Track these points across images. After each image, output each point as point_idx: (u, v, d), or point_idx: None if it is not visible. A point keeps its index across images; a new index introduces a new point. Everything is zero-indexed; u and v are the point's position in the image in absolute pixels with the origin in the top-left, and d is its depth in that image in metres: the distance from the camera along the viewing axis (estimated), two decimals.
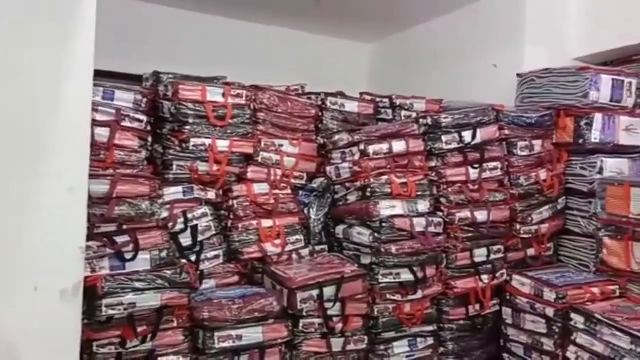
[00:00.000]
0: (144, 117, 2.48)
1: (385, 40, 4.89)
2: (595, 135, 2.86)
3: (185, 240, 2.48)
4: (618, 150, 2.92)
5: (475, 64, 3.79)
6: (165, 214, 2.40)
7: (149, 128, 2.52)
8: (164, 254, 2.25)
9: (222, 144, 2.57)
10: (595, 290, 2.62)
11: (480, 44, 3.83)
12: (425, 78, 4.20)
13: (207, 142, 2.53)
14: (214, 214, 2.59)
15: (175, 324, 2.22)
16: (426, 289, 2.71)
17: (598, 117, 2.86)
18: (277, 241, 2.68)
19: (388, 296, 2.64)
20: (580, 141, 2.90)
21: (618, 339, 2.29)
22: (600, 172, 2.85)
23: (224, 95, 2.58)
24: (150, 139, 2.53)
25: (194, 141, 2.51)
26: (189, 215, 2.49)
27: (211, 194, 2.59)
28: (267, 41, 4.52)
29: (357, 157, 2.71)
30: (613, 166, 2.88)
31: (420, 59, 4.39)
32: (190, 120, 2.51)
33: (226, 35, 4.39)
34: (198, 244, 2.51)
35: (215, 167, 2.57)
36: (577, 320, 2.49)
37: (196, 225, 2.51)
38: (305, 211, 2.86)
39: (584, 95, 2.86)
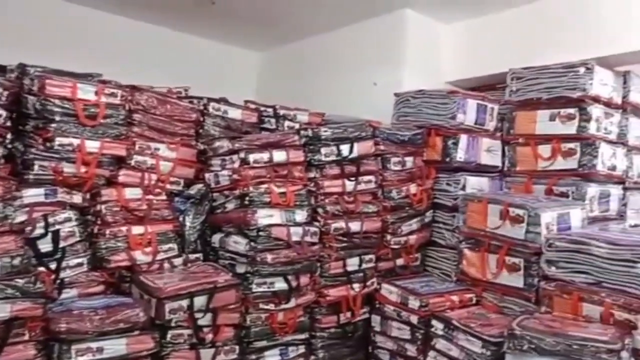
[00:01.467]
0: (2, 112, 2.29)
1: (275, 50, 4.93)
2: (460, 155, 3.10)
3: (45, 246, 2.32)
4: (480, 169, 3.19)
5: (357, 80, 3.95)
6: (22, 218, 2.22)
7: (8, 124, 2.33)
8: (16, 261, 2.07)
9: (92, 145, 2.44)
10: (455, 298, 2.80)
11: (363, 62, 4.00)
12: (311, 90, 4.29)
13: (75, 142, 2.39)
14: (79, 218, 2.44)
15: (26, 337, 2.04)
16: (299, 298, 2.74)
17: (463, 137, 3.09)
18: (148, 249, 2.58)
19: (261, 305, 2.64)
20: (447, 159, 3.12)
21: (471, 344, 2.47)
22: (463, 188, 3.08)
23: (96, 93, 2.45)
24: (9, 135, 2.33)
25: (59, 140, 2.35)
26: (50, 220, 2.34)
27: (77, 198, 2.45)
28: (154, 42, 4.35)
29: (237, 165, 2.69)
30: (474, 183, 3.13)
31: (307, 71, 4.49)
32: (57, 118, 2.35)
33: (112, 33, 4.13)
34: (59, 250, 2.35)
35: (83, 169, 2.43)
36: (437, 326, 2.65)
37: (58, 231, 2.35)
38: (181, 218, 2.78)
39: (452, 117, 3.09)
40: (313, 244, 2.77)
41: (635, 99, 3.19)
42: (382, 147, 3.04)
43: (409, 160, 3.13)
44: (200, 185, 2.85)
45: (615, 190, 3.08)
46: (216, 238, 2.81)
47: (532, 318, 2.33)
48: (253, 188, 2.64)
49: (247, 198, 2.63)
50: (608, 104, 3.02)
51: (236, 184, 2.68)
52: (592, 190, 2.92)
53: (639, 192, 3.27)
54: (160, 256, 2.63)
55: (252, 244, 2.60)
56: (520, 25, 3.61)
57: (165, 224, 2.68)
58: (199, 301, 2.38)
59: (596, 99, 2.93)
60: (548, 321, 2.28)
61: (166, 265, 2.65)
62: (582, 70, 2.91)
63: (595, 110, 2.91)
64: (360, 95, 3.87)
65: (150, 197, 2.67)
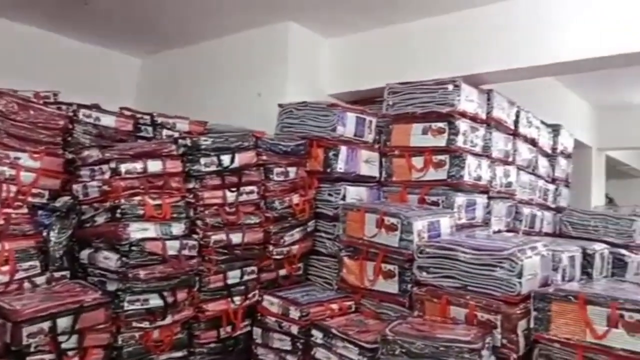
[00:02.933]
0: None
1: (157, 56, 4.74)
2: (340, 165, 3.18)
3: None
4: (359, 179, 3.29)
5: (242, 90, 3.93)
6: None
7: None
8: None
9: None
10: (334, 306, 2.85)
11: (248, 72, 3.99)
12: (195, 99, 4.20)
13: None
14: None
15: None
16: (176, 314, 2.63)
17: (343, 149, 3.18)
18: (5, 268, 2.35)
19: (134, 324, 2.49)
20: (328, 170, 3.19)
21: (349, 351, 2.52)
22: (344, 198, 3.16)
23: None
24: None
25: None
26: None
27: None
28: (21, 42, 4.00)
29: (107, 175, 2.53)
30: (354, 193, 3.23)
31: (191, 79, 4.38)
32: None
33: None
34: None
35: None
36: (317, 335, 2.68)
37: None
38: (45, 233, 2.56)
39: (333, 129, 3.17)
40: (191, 257, 2.67)
41: (498, 115, 3.48)
42: (264, 158, 3.02)
43: (292, 171, 3.15)
44: (67, 198, 2.64)
45: (481, 199, 3.33)
46: (85, 254, 2.62)
47: (405, 323, 2.43)
48: (125, 200, 2.50)
49: (118, 211, 2.48)
50: (474, 119, 3.26)
51: (106, 195, 2.51)
52: (460, 199, 3.13)
53: (502, 201, 3.56)
54: (19, 275, 2.40)
55: (124, 259, 2.45)
56: (397, 42, 3.81)
57: (26, 240, 2.46)
58: (63, 323, 2.20)
59: (463, 114, 3.16)
60: (419, 325, 2.40)
61: (27, 284, 2.42)
62: (450, 87, 3.12)
63: (462, 125, 3.14)
64: (245, 105, 3.84)
65: (9, 210, 2.44)
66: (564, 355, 2.20)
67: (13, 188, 2.46)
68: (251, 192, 2.94)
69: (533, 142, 4.02)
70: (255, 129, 3.13)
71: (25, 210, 2.51)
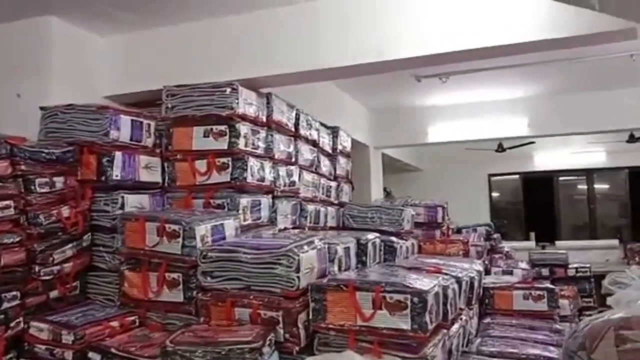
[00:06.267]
0: None
1: None
2: (116, 172, 2.96)
3: None
4: (139, 186, 3.12)
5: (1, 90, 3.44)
6: None
7: None
8: None
9: None
10: (115, 323, 2.66)
11: (5, 70, 3.50)
12: None
13: None
14: None
15: None
16: None
17: (119, 155, 2.97)
18: None
19: None
20: (103, 178, 2.95)
21: None
22: (122, 207, 2.96)
23: None
24: None
25: None
26: None
27: None
28: None
29: None
30: (134, 201, 3.05)
31: None
32: None
33: None
34: None
35: None
36: (95, 358, 2.47)
37: None
38: None
39: (105, 133, 2.94)
40: None
41: (278, 118, 3.61)
42: (23, 167, 2.67)
43: (59, 181, 2.84)
44: None
45: (265, 199, 3.41)
46: None
47: (188, 331, 2.37)
48: None
49: None
50: (254, 121, 3.33)
51: None
52: (245, 200, 3.17)
53: (287, 200, 3.70)
54: None
55: None
56: (177, 42, 3.72)
57: None
58: None
59: (243, 117, 3.20)
60: (202, 332, 2.36)
61: None
62: (228, 90, 3.14)
63: (243, 128, 3.18)
64: (2, 107, 3.37)
65: None
66: (339, 341, 2.37)
67: None
68: (6, 207, 2.56)
69: (314, 143, 4.26)
70: (13, 134, 2.76)
71: None
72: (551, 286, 3.88)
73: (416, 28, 3.33)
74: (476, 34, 3.20)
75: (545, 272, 6.02)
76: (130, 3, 3.41)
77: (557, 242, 9.19)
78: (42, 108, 3.09)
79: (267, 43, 3.57)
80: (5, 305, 2.54)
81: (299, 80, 3.85)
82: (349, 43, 3.44)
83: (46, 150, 2.82)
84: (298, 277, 2.42)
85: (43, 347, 2.56)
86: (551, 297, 3.68)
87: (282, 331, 2.38)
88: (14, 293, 2.59)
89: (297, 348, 2.39)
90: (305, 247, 2.58)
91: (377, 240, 3.49)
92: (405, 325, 2.22)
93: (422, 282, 2.44)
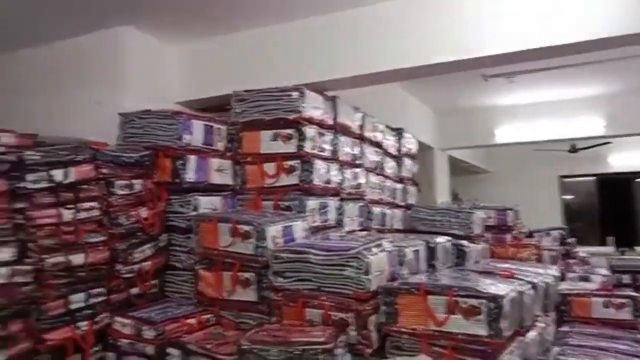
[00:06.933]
0: None
1: None
2: (190, 175, 3.08)
3: None
4: (211, 189, 3.21)
5: (79, 99, 3.65)
6: None
7: None
8: None
9: None
10: (192, 321, 2.74)
11: (85, 79, 3.74)
12: (27, 109, 3.82)
13: None
14: None
15: None
16: (11, 348, 2.36)
17: (192, 158, 3.08)
18: None
19: None
20: (178, 180, 3.07)
21: None
22: (196, 209, 3.07)
23: None
24: None
25: None
26: None
27: None
28: None
29: None
30: (207, 203, 3.14)
31: (20, 88, 3.97)
32: None
33: None
34: None
35: None
36: (173, 353, 2.55)
37: None
38: None
39: (178, 137, 3.06)
40: (24, 284, 2.41)
41: (344, 121, 3.62)
42: (105, 171, 2.82)
43: (138, 183, 2.97)
44: None
45: (332, 202, 3.43)
46: None
47: (262, 330, 2.41)
48: None
49: None
50: (321, 124, 3.35)
51: None
52: (312, 203, 3.20)
53: (353, 202, 3.71)
54: None
55: None
56: (244, 49, 3.82)
57: None
58: None
59: (310, 120, 3.23)
60: (276, 331, 2.39)
61: None
62: (295, 94, 3.18)
63: (310, 131, 3.21)
64: (83, 115, 3.58)
65: None
66: (412, 344, 2.33)
67: None
68: (91, 208, 2.71)
69: (379, 145, 4.25)
70: (95, 140, 2.92)
71: None
72: (635, 294, 3.66)
73: (487, 27, 3.26)
74: (547, 32, 3.10)
75: (626, 279, 5.67)
76: (197, 13, 3.55)
77: (638, 248, 8.68)
78: (121, 114, 3.25)
79: (333, 46, 3.60)
80: (92, 300, 2.69)
81: (365, 83, 3.86)
82: (416, 44, 3.42)
83: (125, 155, 2.96)
84: (368, 280, 2.41)
85: (126, 341, 2.68)
86: (635, 306, 3.47)
87: (353, 333, 2.38)
88: (100, 289, 2.74)
89: (369, 350, 2.38)
90: (374, 250, 2.57)
91: (448, 244, 3.43)
92: (481, 331, 2.16)
93: (496, 287, 2.37)
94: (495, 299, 2.19)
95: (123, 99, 3.50)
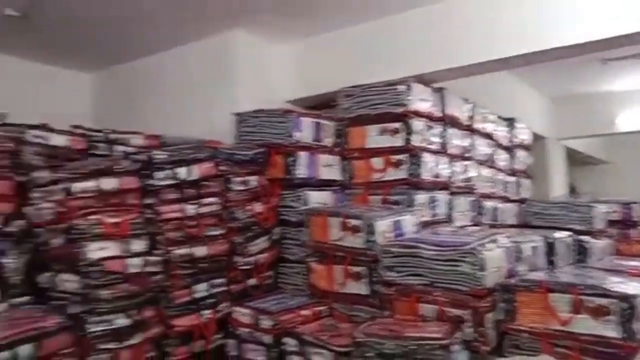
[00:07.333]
0: None
1: (108, 71, 4.65)
2: (301, 171, 3.17)
3: None
4: (321, 184, 3.28)
5: (195, 100, 3.89)
6: None
7: None
8: None
9: None
10: (306, 312, 2.82)
11: (199, 82, 3.96)
12: (149, 112, 4.14)
13: None
14: None
15: None
16: (145, 332, 2.57)
17: (302, 154, 3.17)
18: None
19: (101, 345, 2.42)
20: (289, 176, 3.17)
21: (323, 357, 2.49)
22: (306, 203, 3.15)
23: None
24: None
25: None
26: None
27: None
28: None
29: (60, 196, 2.46)
30: (317, 198, 3.22)
31: (143, 93, 4.31)
32: None
33: None
34: None
35: None
36: (289, 343, 2.64)
37: None
38: (0, 260, 2.48)
39: (289, 135, 3.16)
40: (155, 273, 2.62)
41: (452, 112, 3.53)
42: (223, 168, 2.98)
43: (252, 180, 3.12)
44: (21, 222, 2.56)
45: (442, 196, 3.37)
46: (44, 278, 2.54)
47: (375, 324, 2.42)
48: (81, 220, 2.43)
49: (74, 231, 2.41)
50: (428, 117, 3.29)
51: (61, 216, 2.44)
52: (421, 197, 3.16)
53: (463, 196, 3.61)
54: None
55: (85, 280, 2.38)
56: (348, 45, 3.84)
57: None
58: (25, 351, 2.12)
59: (417, 113, 3.19)
60: (389, 325, 2.39)
61: None
62: (401, 87, 3.15)
63: (417, 124, 3.17)
64: (198, 115, 3.80)
65: None
66: (532, 344, 2.22)
67: None
68: (212, 203, 2.88)
69: (490, 137, 4.09)
70: (212, 140, 3.10)
71: None
72: None
73: (605, 6, 3.02)
74: None
75: None
76: (304, 12, 3.63)
77: None
78: (236, 114, 3.41)
79: (440, 37, 3.52)
80: (214, 290, 2.86)
81: (473, 72, 3.73)
82: (528, 28, 3.25)
83: (241, 152, 3.11)
84: (484, 276, 2.34)
85: (245, 330, 2.81)
86: None
87: (469, 330, 2.32)
88: (220, 280, 2.91)
89: (486, 348, 2.31)
90: (490, 245, 2.48)
91: (569, 239, 3.23)
92: (612, 332, 2.02)
93: (626, 286, 2.20)
94: (627, 298, 2.04)
95: (235, 99, 3.66)
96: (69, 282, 2.44)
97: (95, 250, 2.43)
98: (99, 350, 2.42)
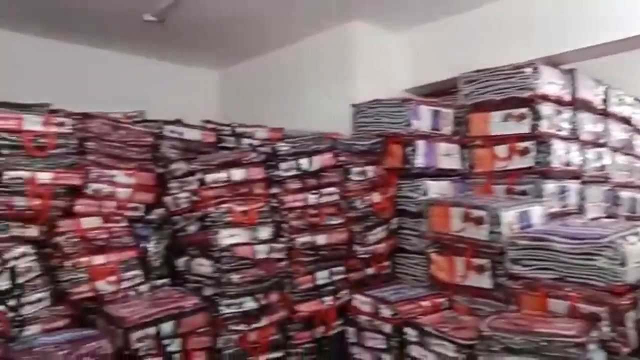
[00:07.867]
0: None
1: (234, 68, 4.93)
2: (419, 160, 3.13)
3: (2, 284, 2.23)
4: (440, 173, 3.22)
5: (314, 93, 3.98)
6: None
7: None
8: None
9: (44, 176, 2.37)
10: (426, 303, 2.79)
11: (318, 75, 4.05)
12: (271, 106, 4.31)
13: (25, 174, 2.31)
14: (37, 252, 2.35)
15: None
16: (270, 316, 2.71)
17: (421, 143, 3.13)
18: (112, 278, 2.51)
19: (232, 326, 2.59)
20: (407, 166, 3.14)
21: (445, 348, 2.45)
22: (425, 194, 3.11)
23: (44, 123, 2.38)
24: None
25: (8, 174, 2.28)
26: (5, 256, 2.24)
27: (32, 231, 2.37)
28: (106, 67, 4.28)
29: (195, 186, 2.65)
30: (436, 188, 3.16)
31: (266, 88, 4.51)
32: (5, 152, 2.28)
33: (65, 61, 4.08)
34: (17, 286, 2.27)
35: (36, 202, 2.35)
36: (411, 333, 2.63)
37: (14, 267, 2.26)
38: (143, 244, 2.73)
39: (407, 124, 3.13)
40: (280, 260, 2.74)
41: (584, 95, 3.28)
42: (342, 158, 3.04)
43: (370, 170, 3.14)
44: (161, 210, 2.80)
45: (573, 185, 3.15)
46: (181, 262, 2.76)
47: (501, 318, 2.34)
48: (213, 208, 2.61)
49: (207, 219, 2.60)
50: (558, 101, 3.09)
51: (196, 205, 2.64)
52: (550, 186, 2.98)
53: (596, 186, 3.35)
54: (124, 284, 2.56)
55: (217, 265, 2.56)
56: (466, 30, 3.72)
57: (128, 251, 2.61)
58: (167, 327, 2.33)
59: (545, 98, 3.00)
60: (516, 319, 2.30)
61: (131, 293, 2.58)
62: (529, 70, 2.98)
63: (545, 109, 2.98)
64: (318, 108, 3.89)
65: (110, 224, 2.61)
66: None
67: (112, 204, 2.62)
68: (331, 193, 2.96)
69: (627, 121, 3.75)
70: (330, 131, 3.17)
71: (124, 224, 2.67)
72: None
73: None
74: None
75: None
76: None
77: None
78: (353, 105, 3.45)
79: (569, 15, 3.28)
80: (334, 278, 2.94)
81: (607, 52, 3.44)
82: None
83: (359, 143, 3.15)
84: (625, 271, 2.16)
85: (364, 318, 2.85)
86: None
87: (606, 329, 2.16)
88: (340, 268, 2.98)
89: (626, 350, 2.14)
90: (631, 238, 2.29)
91: None
92: None
93: None
94: None
95: (353, 89, 3.70)
96: (202, 266, 2.63)
97: (226, 237, 2.59)
98: (230, 330, 2.59)
